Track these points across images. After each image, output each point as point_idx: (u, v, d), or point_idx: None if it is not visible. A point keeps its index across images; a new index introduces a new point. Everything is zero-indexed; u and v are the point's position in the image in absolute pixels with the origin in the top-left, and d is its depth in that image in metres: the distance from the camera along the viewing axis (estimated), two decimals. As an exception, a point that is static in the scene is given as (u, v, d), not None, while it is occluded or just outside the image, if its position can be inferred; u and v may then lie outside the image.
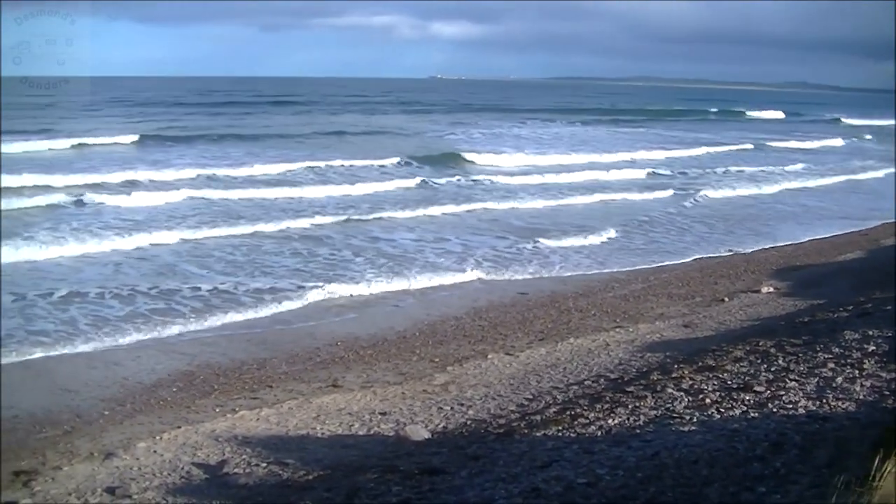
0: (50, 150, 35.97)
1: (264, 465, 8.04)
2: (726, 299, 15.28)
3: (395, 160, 34.95)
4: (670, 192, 30.31)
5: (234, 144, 40.76)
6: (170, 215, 22.49)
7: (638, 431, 7.44)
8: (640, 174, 35.40)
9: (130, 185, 26.98)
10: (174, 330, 13.11)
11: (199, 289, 15.15)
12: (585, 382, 10.31)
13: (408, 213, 23.94)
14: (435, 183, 30.20)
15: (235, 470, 7.96)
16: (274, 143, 41.95)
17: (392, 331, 13.44)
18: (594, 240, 21.07)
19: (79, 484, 7.85)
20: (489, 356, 11.91)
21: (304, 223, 21.90)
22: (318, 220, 22.30)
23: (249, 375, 11.29)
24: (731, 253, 20.58)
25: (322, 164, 32.78)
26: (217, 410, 9.90)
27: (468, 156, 37.31)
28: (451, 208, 25.14)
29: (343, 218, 22.67)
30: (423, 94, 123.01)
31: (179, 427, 9.29)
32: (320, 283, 15.61)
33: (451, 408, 9.71)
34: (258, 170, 30.91)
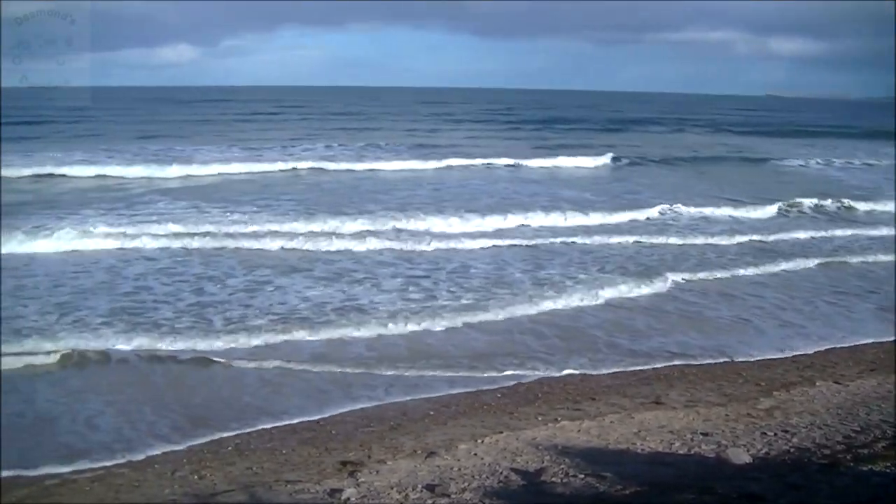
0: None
1: (582, 476, 8.05)
2: None
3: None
4: None
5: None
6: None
7: (973, 475, 7.04)
8: None
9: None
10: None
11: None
12: (919, 418, 9.80)
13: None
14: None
15: (553, 479, 8.05)
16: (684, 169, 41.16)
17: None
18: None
19: (400, 479, 8.23)
20: (817, 383, 11.64)
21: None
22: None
23: (573, 386, 11.58)
24: None
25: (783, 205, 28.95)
26: (539, 419, 10.20)
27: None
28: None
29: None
30: (769, 114, 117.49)
31: (501, 432, 9.61)
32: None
33: (775, 433, 9.57)
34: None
